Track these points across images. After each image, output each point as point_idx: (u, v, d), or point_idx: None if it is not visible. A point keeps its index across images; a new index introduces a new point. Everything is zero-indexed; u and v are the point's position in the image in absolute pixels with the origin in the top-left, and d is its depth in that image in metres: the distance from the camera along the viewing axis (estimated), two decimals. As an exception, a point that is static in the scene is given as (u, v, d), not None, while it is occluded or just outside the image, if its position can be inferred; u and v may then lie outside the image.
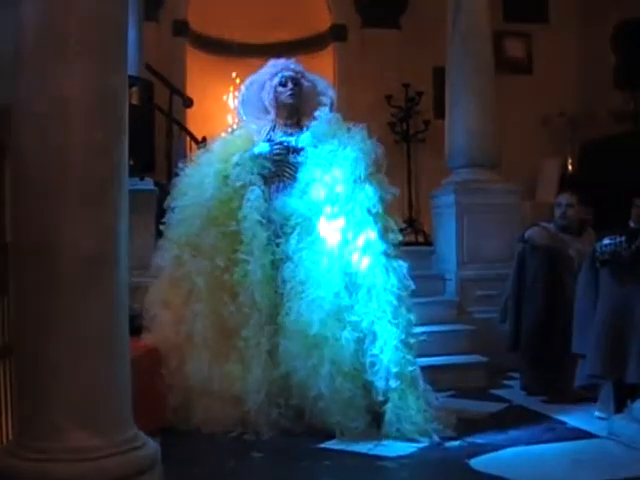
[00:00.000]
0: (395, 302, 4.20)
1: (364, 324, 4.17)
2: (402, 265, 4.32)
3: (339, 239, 4.31)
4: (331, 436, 4.09)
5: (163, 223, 4.73)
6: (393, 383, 4.08)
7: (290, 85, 4.73)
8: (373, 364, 4.13)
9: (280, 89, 4.75)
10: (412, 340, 4.20)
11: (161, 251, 4.67)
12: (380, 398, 4.11)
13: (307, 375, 4.14)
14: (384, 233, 4.33)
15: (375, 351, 4.13)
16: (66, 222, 2.56)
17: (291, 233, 4.43)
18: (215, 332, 4.37)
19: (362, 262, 4.26)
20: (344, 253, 4.29)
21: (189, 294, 4.48)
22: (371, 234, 4.28)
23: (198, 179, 4.64)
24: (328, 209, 4.38)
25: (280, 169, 4.63)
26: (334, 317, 4.18)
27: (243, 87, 4.98)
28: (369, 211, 4.32)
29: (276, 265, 4.43)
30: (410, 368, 4.13)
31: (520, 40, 9.99)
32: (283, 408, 4.21)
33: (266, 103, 4.84)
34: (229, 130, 5.08)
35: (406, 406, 4.08)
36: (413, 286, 4.31)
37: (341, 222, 4.33)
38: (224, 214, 4.52)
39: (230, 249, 4.46)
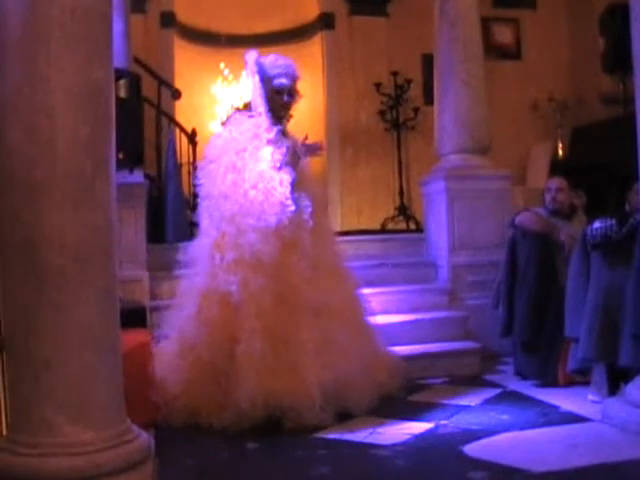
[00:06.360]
0: None
1: None
2: None
3: None
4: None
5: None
6: None
7: (286, 98, 4.68)
8: None
9: (275, 97, 4.69)
10: None
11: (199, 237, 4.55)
12: None
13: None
14: None
15: None
16: (53, 217, 2.55)
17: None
18: (269, 347, 4.16)
19: None
20: None
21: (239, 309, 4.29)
22: None
23: None
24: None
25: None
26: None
27: (254, 64, 4.67)
28: None
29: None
30: None
31: (508, 26, 9.98)
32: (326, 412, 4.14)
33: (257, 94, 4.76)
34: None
35: None
36: None
37: None
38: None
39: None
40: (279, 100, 4.66)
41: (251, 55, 4.66)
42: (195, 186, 4.81)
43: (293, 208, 4.39)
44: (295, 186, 4.50)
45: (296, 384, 4.06)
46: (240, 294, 4.24)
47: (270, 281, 4.24)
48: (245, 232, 4.32)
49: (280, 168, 4.46)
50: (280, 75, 4.64)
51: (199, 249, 4.49)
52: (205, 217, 4.56)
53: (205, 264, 4.42)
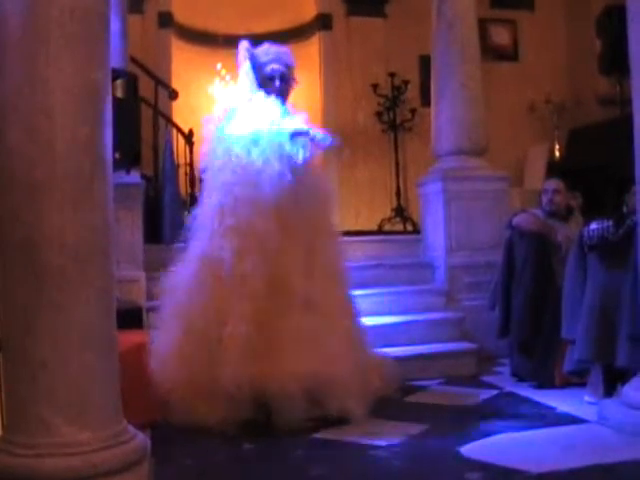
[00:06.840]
0: None
1: None
2: None
3: None
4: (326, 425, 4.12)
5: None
6: None
7: (278, 83, 4.68)
8: None
9: (268, 83, 4.68)
10: None
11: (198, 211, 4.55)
12: None
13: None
14: None
15: None
16: (53, 217, 2.54)
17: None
18: (255, 331, 4.17)
19: None
20: None
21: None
22: None
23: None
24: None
25: None
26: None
27: (246, 52, 4.72)
28: None
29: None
30: None
31: (506, 27, 10.00)
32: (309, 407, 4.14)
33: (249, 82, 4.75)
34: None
35: None
36: None
37: None
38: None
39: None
40: (271, 86, 4.68)
41: (243, 44, 4.71)
42: (192, 186, 4.82)
43: (289, 179, 4.41)
44: (300, 177, 4.52)
45: (277, 370, 4.07)
46: (231, 266, 4.27)
47: (263, 263, 4.25)
48: (241, 201, 4.36)
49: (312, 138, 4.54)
50: (271, 61, 4.68)
51: (201, 216, 4.52)
52: (207, 189, 4.58)
53: (206, 231, 4.45)
